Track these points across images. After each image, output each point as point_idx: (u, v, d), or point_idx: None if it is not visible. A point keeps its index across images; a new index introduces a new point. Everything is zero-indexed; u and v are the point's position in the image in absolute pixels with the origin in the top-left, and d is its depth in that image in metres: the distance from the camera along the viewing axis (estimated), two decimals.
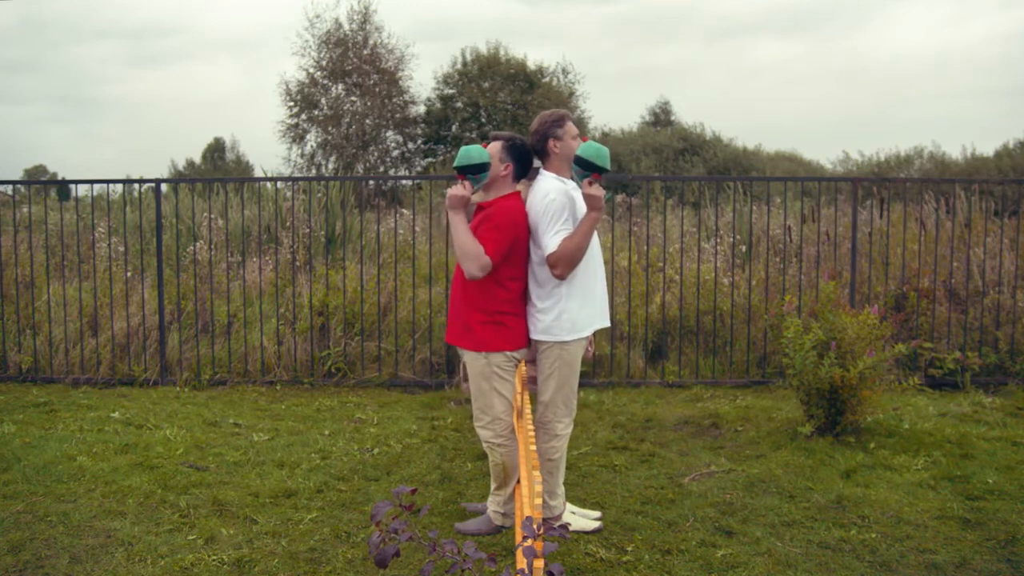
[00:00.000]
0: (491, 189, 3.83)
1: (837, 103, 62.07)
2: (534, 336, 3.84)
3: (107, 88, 63.45)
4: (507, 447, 3.82)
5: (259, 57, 57.77)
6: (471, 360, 3.89)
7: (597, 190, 3.59)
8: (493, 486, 3.90)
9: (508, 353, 3.82)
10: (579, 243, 3.63)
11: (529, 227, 3.76)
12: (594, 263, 3.84)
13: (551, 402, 3.84)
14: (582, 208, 3.71)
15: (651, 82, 64.36)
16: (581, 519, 3.97)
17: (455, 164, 3.72)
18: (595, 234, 3.77)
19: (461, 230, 3.68)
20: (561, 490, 3.91)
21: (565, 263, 3.64)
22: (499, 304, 3.79)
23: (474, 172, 3.71)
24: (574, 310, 3.78)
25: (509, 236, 3.68)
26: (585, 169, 3.64)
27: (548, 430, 3.86)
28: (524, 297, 3.85)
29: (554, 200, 3.67)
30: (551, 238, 3.64)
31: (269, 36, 61.87)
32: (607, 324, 3.98)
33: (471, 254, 3.65)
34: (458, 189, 3.71)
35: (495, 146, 3.84)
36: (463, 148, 3.74)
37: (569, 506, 4.03)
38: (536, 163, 3.94)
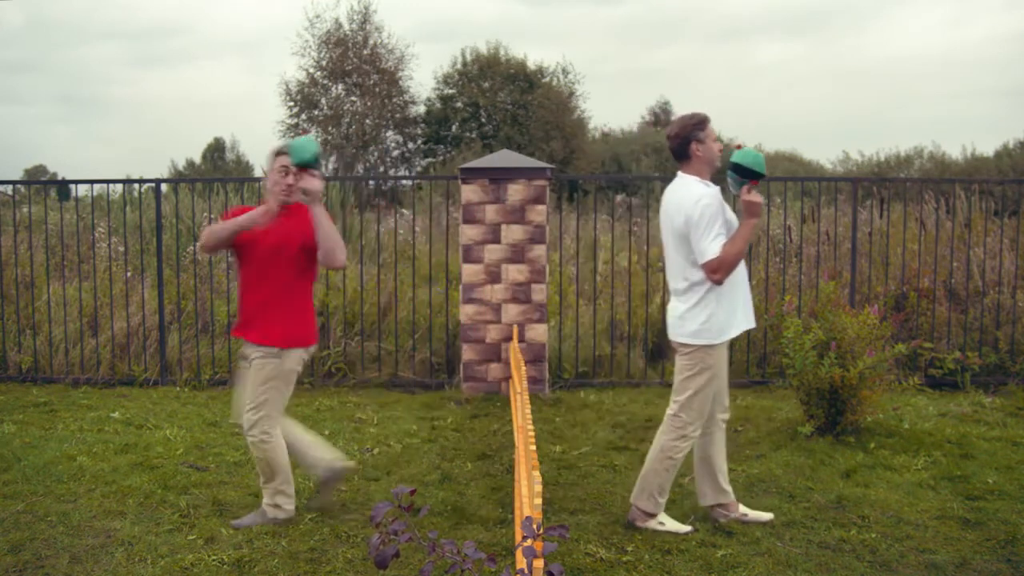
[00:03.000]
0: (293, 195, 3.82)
1: (837, 103, 62.09)
2: (680, 339, 3.84)
3: (110, 89, 63.50)
4: (275, 443, 3.89)
5: (262, 58, 57.85)
6: (268, 357, 3.86)
7: (756, 196, 3.68)
8: (262, 480, 3.97)
9: (307, 350, 3.96)
10: (740, 249, 3.68)
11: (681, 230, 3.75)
12: (740, 267, 3.85)
13: (687, 404, 3.83)
14: (728, 212, 3.78)
15: (652, 83, 64.44)
16: (675, 523, 3.93)
17: (299, 160, 3.65)
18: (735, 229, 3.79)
19: (328, 223, 3.74)
20: (666, 496, 3.92)
21: (726, 269, 3.67)
22: (307, 302, 3.92)
23: (316, 164, 3.70)
24: (722, 314, 3.79)
25: None
26: (743, 176, 3.69)
27: (679, 429, 3.85)
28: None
29: (708, 205, 3.68)
30: (710, 244, 3.65)
31: (272, 37, 61.99)
32: (752, 325, 3.97)
33: (342, 245, 3.77)
34: (315, 182, 3.68)
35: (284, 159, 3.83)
36: (301, 142, 3.65)
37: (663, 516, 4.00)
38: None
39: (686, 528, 3.90)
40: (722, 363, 3.87)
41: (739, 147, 3.74)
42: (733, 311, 3.83)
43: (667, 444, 3.87)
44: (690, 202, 3.71)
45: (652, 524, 3.90)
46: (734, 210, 3.98)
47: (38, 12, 62.57)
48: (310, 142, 3.68)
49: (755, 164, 3.68)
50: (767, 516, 4.02)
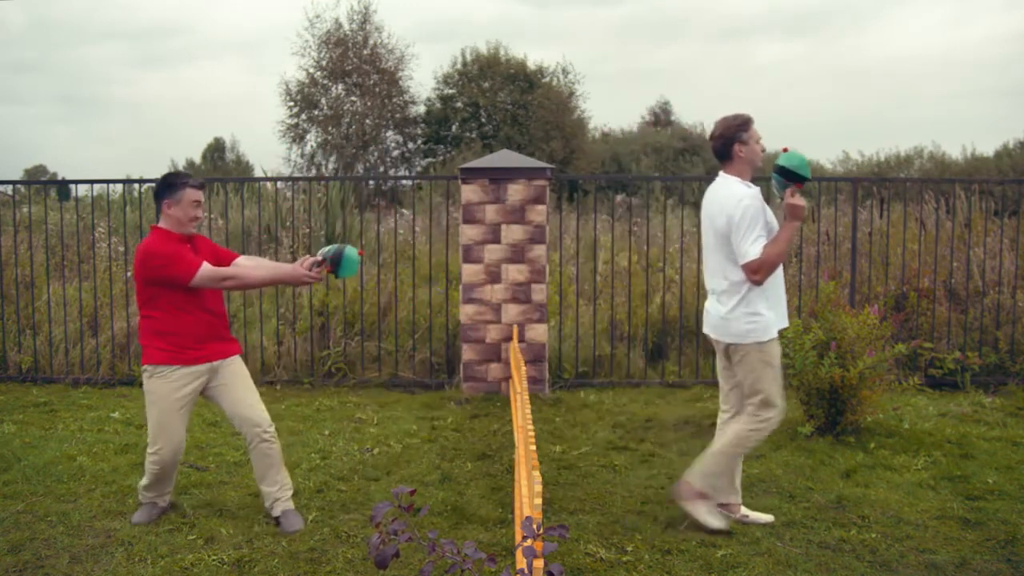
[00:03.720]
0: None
1: (837, 103, 62.07)
2: (729, 340, 3.86)
3: (111, 89, 63.51)
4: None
5: (262, 58, 57.85)
6: (222, 366, 3.99)
7: (799, 200, 3.72)
8: (146, 481, 4.00)
9: None
10: (781, 251, 3.71)
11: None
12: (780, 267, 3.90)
13: (763, 404, 3.86)
14: (768, 213, 3.82)
15: (652, 83, 64.38)
16: (714, 517, 3.92)
17: (346, 274, 3.91)
18: (775, 230, 3.83)
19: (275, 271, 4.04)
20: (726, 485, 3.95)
21: (767, 270, 3.70)
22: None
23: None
24: (768, 311, 3.82)
25: None
26: (787, 179, 3.73)
27: (759, 420, 3.87)
28: None
29: (749, 206, 3.71)
30: (751, 245, 3.68)
31: (272, 37, 62.00)
32: (787, 324, 3.98)
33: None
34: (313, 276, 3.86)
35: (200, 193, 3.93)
36: (350, 262, 3.88)
37: (744, 509, 4.02)
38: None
39: (721, 523, 3.86)
40: (778, 354, 3.90)
41: (785, 150, 3.78)
42: (774, 308, 3.85)
43: (743, 431, 3.88)
44: (732, 202, 3.73)
45: (698, 506, 3.88)
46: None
47: (39, 12, 62.57)
48: (355, 262, 3.89)
49: (800, 167, 3.73)
50: (767, 518, 4.02)
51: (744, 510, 4.05)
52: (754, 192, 3.79)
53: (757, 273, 3.69)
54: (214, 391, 3.99)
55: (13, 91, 61.34)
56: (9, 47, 58.07)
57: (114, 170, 58.65)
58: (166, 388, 3.86)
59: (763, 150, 3.91)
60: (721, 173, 3.92)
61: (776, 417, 3.88)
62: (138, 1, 58.58)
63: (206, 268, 3.80)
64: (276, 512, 3.99)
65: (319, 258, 3.86)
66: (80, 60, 61.60)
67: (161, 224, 3.89)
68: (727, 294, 3.84)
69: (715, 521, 3.87)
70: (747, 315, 3.80)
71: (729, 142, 3.84)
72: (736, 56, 62.19)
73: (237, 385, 3.99)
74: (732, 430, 3.93)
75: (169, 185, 3.87)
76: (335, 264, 3.85)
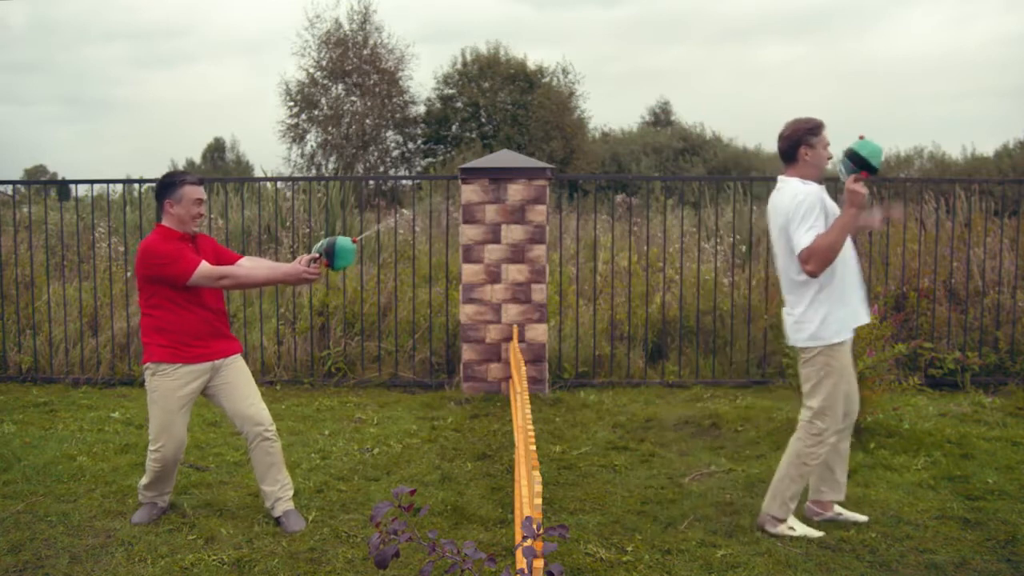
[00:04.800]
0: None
1: (838, 104, 62.02)
2: (798, 343, 3.81)
3: (114, 89, 63.53)
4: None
5: (263, 58, 57.87)
6: (224, 364, 4.01)
7: (861, 187, 3.60)
8: (147, 480, 4.01)
9: None
10: (835, 239, 3.59)
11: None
12: (851, 261, 3.81)
13: (820, 411, 3.78)
14: (831, 209, 3.74)
15: (654, 83, 64.42)
16: (804, 528, 3.89)
17: (341, 266, 3.91)
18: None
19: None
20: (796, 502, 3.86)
21: (818, 259, 3.59)
22: None
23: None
24: (838, 311, 3.74)
25: None
26: (856, 164, 3.65)
27: (815, 436, 3.79)
28: None
29: (804, 200, 3.66)
30: (804, 234, 3.61)
31: (274, 38, 61.99)
32: (866, 320, 3.87)
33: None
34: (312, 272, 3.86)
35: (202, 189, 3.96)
36: (344, 251, 3.85)
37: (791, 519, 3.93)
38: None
39: (818, 533, 3.83)
40: (846, 362, 3.83)
41: (861, 137, 3.68)
42: (846, 306, 3.77)
43: (803, 450, 3.81)
44: (788, 198, 3.71)
45: (782, 529, 3.85)
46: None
47: (41, 13, 62.55)
48: (349, 251, 3.86)
49: (871, 156, 3.63)
50: (862, 518, 3.98)
51: (838, 508, 4.01)
52: (811, 189, 3.72)
53: (808, 263, 3.61)
54: (215, 390, 3.98)
55: (14, 91, 61.37)
56: (11, 47, 58.09)
57: (114, 170, 58.65)
58: (169, 386, 3.86)
59: (830, 157, 3.84)
60: (781, 176, 3.87)
61: (830, 431, 3.78)
62: (140, 2, 58.60)
63: (204, 267, 3.79)
64: (277, 512, 3.99)
65: (314, 254, 3.84)
66: (82, 61, 61.63)
67: (164, 222, 3.90)
68: (791, 294, 3.81)
69: (809, 531, 3.83)
70: (817, 317, 3.73)
71: (795, 144, 3.78)
72: (737, 57, 62.21)
73: (239, 384, 3.99)
74: (790, 448, 3.85)
75: (169, 184, 3.88)
76: (330, 256, 3.83)
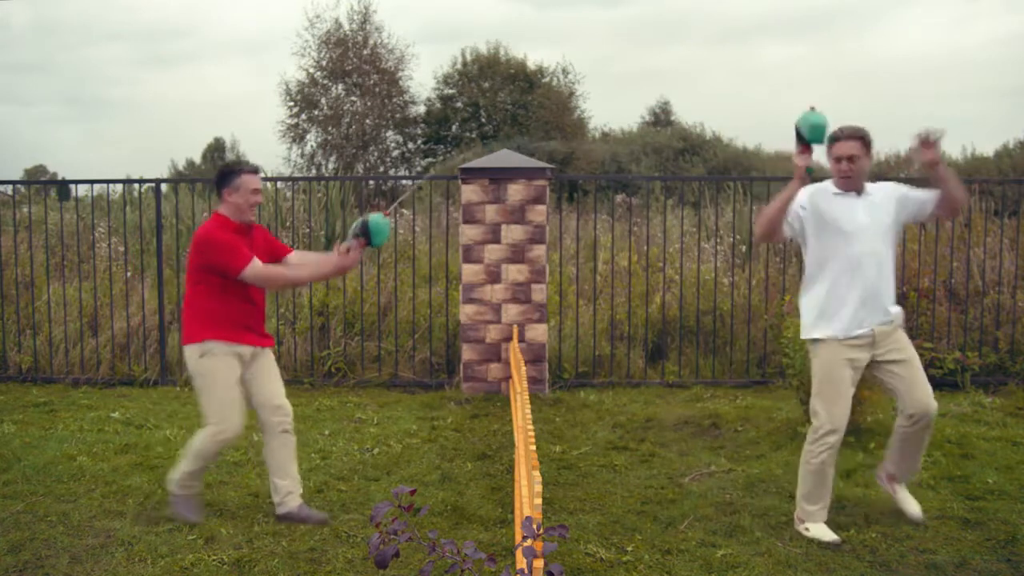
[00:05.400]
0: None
1: (838, 104, 61.92)
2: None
3: (116, 89, 63.45)
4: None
5: (265, 59, 57.85)
6: (260, 354, 4.06)
7: (798, 160, 3.66)
8: (192, 467, 4.02)
9: None
10: (769, 207, 3.77)
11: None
12: (844, 259, 3.76)
13: (812, 407, 3.84)
14: (828, 213, 3.78)
15: (654, 83, 64.39)
16: (821, 531, 3.85)
17: (379, 243, 3.95)
18: (844, 231, 3.76)
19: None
20: (817, 502, 3.86)
21: (758, 225, 3.83)
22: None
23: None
24: (824, 308, 3.79)
25: None
26: (798, 138, 3.67)
27: (812, 433, 3.84)
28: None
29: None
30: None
31: (275, 38, 61.97)
32: (862, 331, 3.79)
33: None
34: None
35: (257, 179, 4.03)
36: (380, 227, 3.89)
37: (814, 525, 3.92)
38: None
39: (831, 537, 3.79)
40: (832, 362, 3.78)
41: (812, 108, 3.66)
42: (836, 306, 3.77)
43: (805, 448, 3.86)
44: None
45: (800, 528, 3.88)
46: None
47: (43, 13, 62.56)
48: (384, 225, 3.91)
49: (805, 128, 3.63)
50: (915, 511, 3.96)
51: (902, 492, 4.01)
52: (811, 189, 3.80)
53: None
54: (249, 376, 4.01)
55: (14, 91, 61.34)
56: (12, 47, 58.07)
57: (114, 170, 58.66)
58: (220, 364, 3.89)
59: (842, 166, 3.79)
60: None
61: (822, 429, 3.78)
62: (141, 2, 58.58)
63: (256, 265, 3.87)
64: (290, 506, 4.01)
65: (350, 241, 3.88)
66: (83, 61, 61.59)
67: (221, 210, 3.98)
68: (803, 287, 3.94)
69: (825, 535, 3.80)
70: (802, 306, 3.87)
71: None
72: (737, 57, 62.10)
73: (271, 375, 4.07)
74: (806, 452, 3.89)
75: (228, 173, 3.98)
76: (367, 235, 3.87)
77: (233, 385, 3.92)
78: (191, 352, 3.93)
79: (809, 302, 3.85)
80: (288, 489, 4.03)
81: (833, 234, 3.77)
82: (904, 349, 3.85)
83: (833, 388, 3.81)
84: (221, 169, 4.05)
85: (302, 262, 4.13)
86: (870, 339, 3.80)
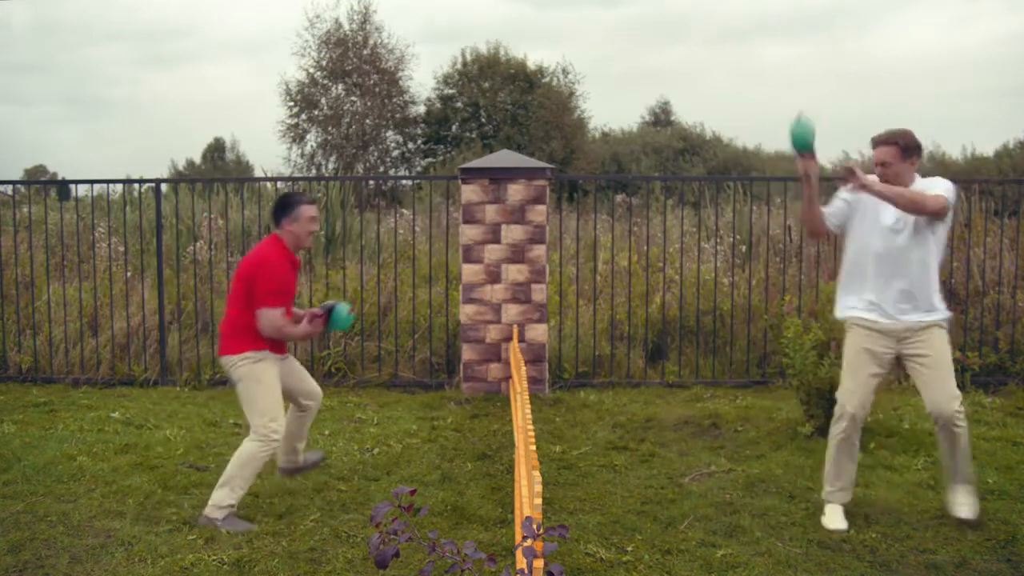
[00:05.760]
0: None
1: (838, 104, 62.01)
2: None
3: (116, 89, 63.45)
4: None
5: (265, 59, 57.88)
6: (280, 360, 4.28)
7: (798, 167, 3.85)
8: (251, 471, 4.12)
9: None
10: (802, 208, 4.05)
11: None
12: (874, 251, 3.90)
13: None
14: (866, 207, 3.92)
15: (654, 83, 64.41)
16: (833, 517, 3.98)
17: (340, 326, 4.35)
18: (879, 225, 3.89)
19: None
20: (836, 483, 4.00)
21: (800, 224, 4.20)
22: None
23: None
24: (845, 292, 4.04)
25: None
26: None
27: (834, 419, 4.02)
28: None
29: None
30: None
31: (277, 38, 61.97)
32: (884, 319, 3.90)
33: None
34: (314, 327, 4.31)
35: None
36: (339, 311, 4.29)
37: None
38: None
39: (837, 525, 3.89)
40: (851, 345, 3.99)
41: (798, 116, 3.77)
42: (854, 293, 3.99)
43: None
44: None
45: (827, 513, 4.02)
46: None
47: (43, 13, 62.54)
48: (347, 320, 4.34)
49: (791, 137, 3.77)
50: (967, 511, 3.90)
51: (955, 492, 3.96)
52: (845, 194, 4.00)
53: None
54: (285, 374, 4.26)
55: (15, 91, 61.33)
56: (12, 47, 58.05)
57: (114, 170, 58.66)
58: (270, 368, 4.15)
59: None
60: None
61: (837, 412, 3.95)
62: (141, 2, 58.58)
63: (276, 315, 4.10)
64: (310, 458, 4.59)
65: (317, 311, 4.29)
66: (83, 61, 61.58)
67: (282, 236, 4.20)
68: None
69: (835, 523, 3.92)
70: (837, 290, 4.11)
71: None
72: (737, 57, 62.16)
73: (301, 369, 4.45)
74: None
75: (287, 204, 4.20)
76: (327, 319, 4.28)
77: (279, 386, 4.18)
78: (241, 359, 4.12)
79: (840, 286, 4.08)
80: (302, 447, 4.53)
81: (868, 227, 3.92)
82: (932, 346, 3.87)
83: (851, 371, 3.96)
84: (282, 198, 4.25)
85: (280, 323, 4.26)
86: (893, 330, 3.88)
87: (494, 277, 6.72)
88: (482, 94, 29.97)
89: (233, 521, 3.99)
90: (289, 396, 4.35)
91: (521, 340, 6.66)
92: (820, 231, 4.04)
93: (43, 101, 64.70)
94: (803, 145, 3.75)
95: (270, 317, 4.07)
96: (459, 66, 30.81)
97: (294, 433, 4.43)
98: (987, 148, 34.72)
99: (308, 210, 4.18)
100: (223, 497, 4.00)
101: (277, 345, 4.21)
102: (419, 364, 7.27)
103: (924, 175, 3.98)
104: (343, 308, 4.28)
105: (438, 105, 30.53)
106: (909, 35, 62.97)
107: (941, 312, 3.92)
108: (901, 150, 3.82)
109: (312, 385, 4.44)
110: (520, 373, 4.53)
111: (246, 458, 4.07)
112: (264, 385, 4.10)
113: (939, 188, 3.82)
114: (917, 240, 3.85)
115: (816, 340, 5.23)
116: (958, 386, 6.47)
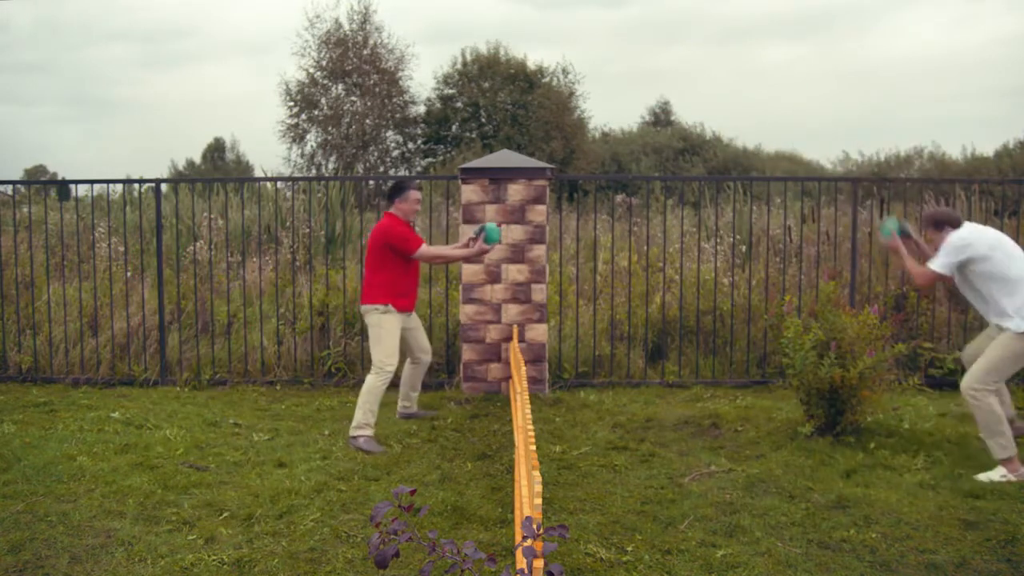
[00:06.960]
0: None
1: (838, 104, 62.09)
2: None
3: (118, 90, 63.45)
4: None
5: (265, 59, 57.91)
6: (405, 316, 5.54)
7: (884, 243, 5.38)
8: (373, 402, 5.32)
9: None
10: (906, 265, 5.19)
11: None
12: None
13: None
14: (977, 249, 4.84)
15: (654, 83, 64.40)
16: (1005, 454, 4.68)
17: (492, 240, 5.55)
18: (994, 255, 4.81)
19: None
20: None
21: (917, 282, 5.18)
22: None
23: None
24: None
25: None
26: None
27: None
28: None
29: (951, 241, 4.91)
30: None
31: (278, 38, 62.00)
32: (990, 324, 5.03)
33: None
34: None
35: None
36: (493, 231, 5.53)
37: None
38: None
39: (1008, 452, 4.62)
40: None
41: (887, 216, 4.97)
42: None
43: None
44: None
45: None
46: None
47: (44, 13, 62.55)
48: (496, 232, 5.53)
49: (882, 231, 5.33)
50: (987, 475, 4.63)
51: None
52: (961, 236, 4.88)
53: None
54: (406, 331, 5.56)
55: (16, 91, 61.33)
56: (13, 47, 58.06)
57: (115, 170, 58.67)
58: (395, 320, 5.40)
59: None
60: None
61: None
62: (142, 3, 58.60)
63: (425, 247, 5.42)
64: (413, 408, 5.94)
65: (472, 234, 5.58)
66: (84, 61, 61.59)
67: (393, 212, 5.47)
68: None
69: (1001, 451, 4.64)
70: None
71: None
72: (737, 57, 62.20)
73: (420, 328, 5.80)
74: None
75: (400, 188, 5.49)
76: (482, 238, 5.49)
77: (399, 336, 5.44)
78: (374, 308, 5.36)
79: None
80: (415, 398, 5.95)
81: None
82: (994, 339, 4.84)
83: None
84: (396, 183, 5.53)
85: (439, 249, 5.75)
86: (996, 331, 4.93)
87: (494, 277, 6.72)
88: (482, 94, 29.97)
89: (371, 443, 5.18)
90: (406, 348, 5.64)
91: (521, 340, 6.66)
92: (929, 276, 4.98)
93: (44, 101, 64.72)
94: (888, 234, 5.24)
95: (423, 250, 5.36)
96: (459, 66, 30.80)
97: (409, 382, 5.85)
98: (987, 148, 34.77)
99: (415, 194, 5.47)
100: (358, 418, 5.23)
101: (404, 301, 5.41)
102: None
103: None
104: (493, 224, 5.49)
105: (438, 105, 30.53)
106: (909, 35, 63.00)
107: (1006, 322, 4.77)
108: (935, 226, 5.00)
109: (426, 343, 5.79)
110: (520, 373, 4.53)
111: (368, 387, 5.28)
112: (386, 331, 5.33)
113: (939, 255, 4.89)
114: (963, 279, 4.97)
115: (816, 340, 5.23)
116: (958, 385, 6.56)
